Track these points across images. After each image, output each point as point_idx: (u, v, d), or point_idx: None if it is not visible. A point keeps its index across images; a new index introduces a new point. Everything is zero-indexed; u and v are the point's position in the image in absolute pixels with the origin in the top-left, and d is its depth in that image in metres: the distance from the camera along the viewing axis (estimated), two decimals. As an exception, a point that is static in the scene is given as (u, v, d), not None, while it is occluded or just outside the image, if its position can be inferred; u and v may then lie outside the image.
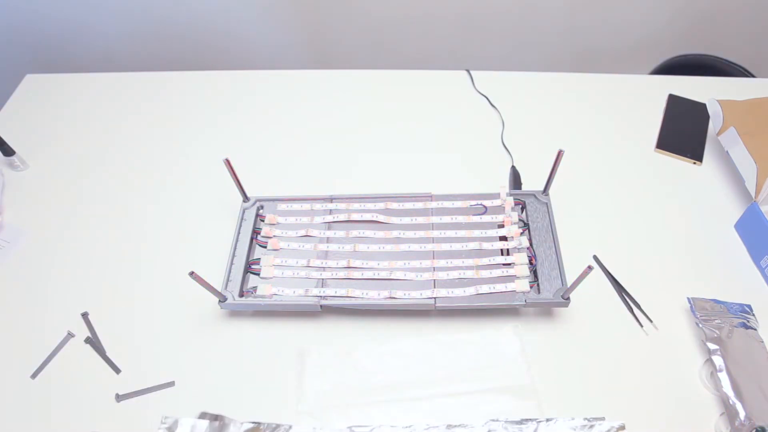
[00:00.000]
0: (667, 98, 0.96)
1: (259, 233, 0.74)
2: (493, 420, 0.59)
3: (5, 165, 0.88)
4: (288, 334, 0.69)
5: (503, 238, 0.71)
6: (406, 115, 0.95)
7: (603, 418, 0.59)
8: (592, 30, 1.35)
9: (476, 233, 0.72)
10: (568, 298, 0.65)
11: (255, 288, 0.68)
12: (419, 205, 0.75)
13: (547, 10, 1.31)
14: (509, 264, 0.69)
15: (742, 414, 0.57)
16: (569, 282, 0.63)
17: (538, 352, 0.66)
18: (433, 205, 0.75)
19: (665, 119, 0.93)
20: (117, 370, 0.66)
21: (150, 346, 0.68)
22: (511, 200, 0.74)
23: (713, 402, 0.61)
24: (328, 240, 0.73)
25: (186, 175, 0.87)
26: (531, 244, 0.71)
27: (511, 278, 0.67)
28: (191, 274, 0.59)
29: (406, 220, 0.74)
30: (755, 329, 0.65)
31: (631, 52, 1.40)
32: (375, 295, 0.67)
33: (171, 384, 0.65)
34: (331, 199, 0.77)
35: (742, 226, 0.76)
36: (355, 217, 0.74)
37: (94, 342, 0.69)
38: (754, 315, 0.66)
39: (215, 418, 0.60)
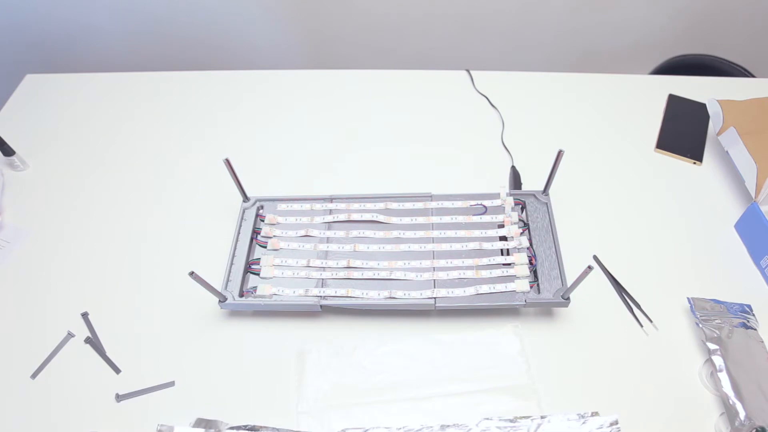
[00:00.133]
0: (667, 98, 0.96)
1: (259, 233, 0.74)
2: (486, 419, 0.59)
3: (5, 165, 0.88)
4: (288, 334, 0.69)
5: (503, 238, 0.71)
6: (406, 115, 0.95)
7: (596, 413, 0.59)
8: (592, 30, 1.35)
9: (476, 233, 0.72)
10: (568, 298, 0.65)
11: (255, 288, 0.68)
12: (419, 205, 0.75)
13: (547, 11, 1.31)
14: (509, 264, 0.69)
15: (742, 414, 0.57)
16: (569, 282, 0.63)
17: (538, 352, 0.66)
18: (433, 205, 0.75)
19: (665, 119, 0.93)
20: (117, 370, 0.66)
21: (150, 346, 0.68)
22: (511, 200, 0.74)
23: (713, 402, 0.61)
24: (328, 240, 0.73)
25: (186, 175, 0.87)
26: (531, 244, 0.71)
27: (511, 278, 0.67)
28: (191, 274, 0.59)
29: (406, 220, 0.74)
30: (755, 329, 0.65)
31: (631, 52, 1.40)
32: (375, 295, 0.67)
33: (171, 384, 0.65)
34: (331, 199, 0.77)
35: (742, 226, 0.76)
36: (355, 217, 0.74)
37: (94, 342, 0.69)
38: (754, 315, 0.66)
39: (209, 424, 0.60)
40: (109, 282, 0.75)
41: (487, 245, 0.71)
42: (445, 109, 0.96)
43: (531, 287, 0.67)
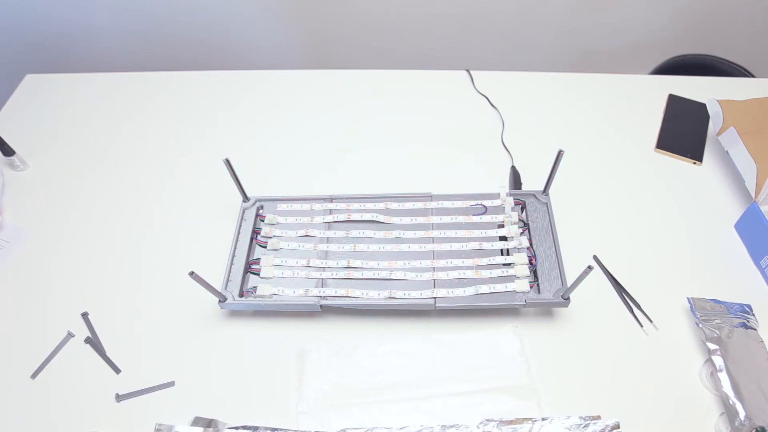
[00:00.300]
0: (667, 98, 0.96)
1: (259, 233, 0.74)
2: (487, 420, 0.59)
3: (5, 165, 0.88)
4: (288, 334, 0.69)
5: (503, 238, 0.71)
6: (406, 115, 0.95)
7: (599, 417, 0.59)
8: (592, 30, 1.35)
9: (476, 233, 0.72)
10: (568, 298, 0.65)
11: (255, 288, 0.68)
12: (419, 205, 0.75)
13: (547, 10, 1.31)
14: (509, 264, 0.69)
15: (742, 414, 0.57)
16: (569, 282, 0.63)
17: (538, 352, 0.66)
18: (433, 205, 0.75)
19: (665, 119, 0.93)
20: (117, 370, 0.66)
21: (150, 346, 0.68)
22: (511, 200, 0.74)
23: (713, 402, 0.61)
24: (328, 240, 0.73)
25: (186, 175, 0.87)
26: (531, 244, 0.71)
27: (511, 278, 0.67)
28: (191, 274, 0.59)
29: (406, 220, 0.74)
30: (755, 329, 0.65)
31: (631, 52, 1.40)
32: (375, 295, 0.67)
33: (171, 384, 0.65)
34: (331, 199, 0.77)
35: (742, 226, 0.76)
36: (355, 217, 0.74)
37: (94, 342, 0.69)
38: (754, 315, 0.66)
39: (208, 423, 0.60)
40: (109, 282, 0.75)
41: (487, 245, 0.71)
42: (445, 109, 0.96)
43: (531, 287, 0.67)
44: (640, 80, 1.02)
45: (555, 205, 0.74)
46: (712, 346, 0.62)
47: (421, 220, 0.74)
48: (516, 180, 0.83)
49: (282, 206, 0.77)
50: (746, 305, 0.67)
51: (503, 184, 0.83)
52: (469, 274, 0.68)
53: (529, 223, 0.73)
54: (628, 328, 0.68)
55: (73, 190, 0.86)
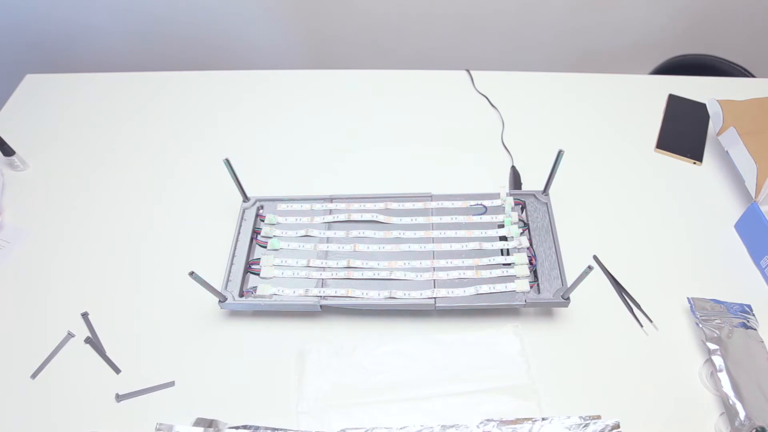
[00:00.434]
0: (667, 98, 0.96)
1: (259, 233, 0.74)
2: (487, 420, 0.59)
3: (5, 165, 0.88)
4: (288, 334, 0.69)
5: (503, 238, 0.71)
6: (406, 115, 0.95)
7: (599, 417, 0.59)
8: (592, 30, 1.35)
9: (476, 233, 0.72)
10: (568, 298, 0.65)
11: (255, 288, 0.68)
12: (419, 205, 0.75)
13: (547, 10, 1.31)
14: (509, 264, 0.69)
15: (742, 414, 0.57)
16: (569, 282, 0.63)
17: (538, 352, 0.66)
18: (433, 205, 0.75)
19: (665, 119, 0.93)
20: (117, 370, 0.66)
21: (150, 346, 0.68)
22: (511, 200, 0.74)
23: (713, 402, 0.61)
24: (328, 240, 0.73)
25: (186, 175, 0.87)
26: (531, 244, 0.71)
27: (511, 278, 0.67)
28: (191, 274, 0.59)
29: (406, 220, 0.74)
30: (755, 329, 0.65)
31: (631, 52, 1.40)
32: (375, 295, 0.67)
33: (171, 384, 0.65)
34: (331, 199, 0.77)
35: (742, 226, 0.76)
36: (355, 217, 0.74)
37: (94, 342, 0.69)
38: (754, 315, 0.66)
39: (209, 424, 0.60)
40: (109, 282, 0.75)
41: (487, 245, 0.71)
42: (445, 109, 0.96)
43: (531, 287, 0.67)
44: (640, 80, 1.02)
45: (555, 205, 0.74)
46: (712, 346, 0.62)
47: (421, 220, 0.74)
48: (516, 180, 0.83)
49: (282, 206, 0.77)
50: (746, 305, 0.67)
51: (503, 184, 0.83)
52: (469, 274, 0.68)
53: (529, 223, 0.73)
54: (628, 328, 0.68)
55: (73, 190, 0.86)
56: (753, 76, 1.06)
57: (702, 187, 0.83)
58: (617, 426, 0.58)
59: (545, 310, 0.70)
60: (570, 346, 0.67)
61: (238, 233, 0.73)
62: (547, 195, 0.75)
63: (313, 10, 1.32)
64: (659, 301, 0.70)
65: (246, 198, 0.77)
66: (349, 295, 0.67)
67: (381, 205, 0.75)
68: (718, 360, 0.61)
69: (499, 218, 0.73)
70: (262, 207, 0.77)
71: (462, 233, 0.72)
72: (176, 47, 1.40)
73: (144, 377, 0.65)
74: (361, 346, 0.67)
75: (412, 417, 0.61)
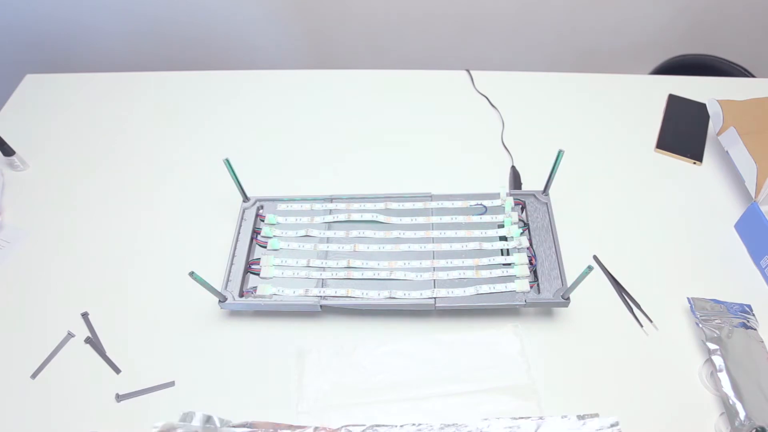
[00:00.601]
0: (667, 98, 0.96)
1: (259, 233, 0.74)
2: (485, 419, 0.59)
3: (5, 165, 0.88)
4: (288, 334, 0.69)
5: (503, 238, 0.71)
6: (406, 115, 0.95)
7: (596, 415, 0.59)
8: (592, 30, 1.35)
9: (476, 233, 0.72)
10: (568, 298, 0.65)
11: (255, 288, 0.68)
12: (419, 205, 0.75)
13: (547, 11, 1.31)
14: (509, 264, 0.69)
15: (742, 414, 0.57)
16: (569, 282, 0.63)
17: (537, 352, 0.66)
18: (433, 205, 0.75)
19: (665, 119, 0.93)
20: (117, 370, 0.66)
21: (150, 346, 0.68)
22: (511, 200, 0.74)
23: (713, 402, 0.61)
24: (328, 240, 0.73)
25: (186, 175, 0.87)
26: (531, 244, 0.71)
27: (511, 278, 0.67)
28: (191, 274, 0.59)
29: (406, 220, 0.74)
30: (755, 329, 0.65)
31: (631, 52, 1.40)
32: (375, 295, 0.67)
33: (171, 384, 0.65)
34: (331, 199, 0.77)
35: (742, 226, 0.76)
36: (355, 217, 0.74)
37: (94, 342, 0.69)
38: (754, 315, 0.66)
39: (207, 419, 0.60)
40: (109, 282, 0.75)
41: (487, 245, 0.71)
42: (445, 110, 0.96)
43: (531, 287, 0.67)
44: (640, 80, 1.02)
45: (555, 205, 0.74)
46: (712, 346, 0.62)
47: (421, 220, 0.74)
48: (516, 180, 0.83)
49: (282, 206, 0.77)
50: (746, 305, 0.67)
51: (503, 184, 0.83)
52: (469, 274, 0.68)
53: (529, 223, 0.73)
54: (628, 328, 0.68)
55: (73, 190, 0.86)
56: (753, 76, 1.06)
57: (702, 187, 0.83)
58: (616, 424, 0.58)
59: (545, 310, 0.70)
60: (570, 346, 0.67)
61: (238, 233, 0.73)
62: (547, 195, 0.75)
63: (313, 10, 1.32)
64: (659, 301, 0.70)
65: (246, 198, 0.77)
66: (349, 295, 0.67)
67: (381, 205, 0.75)
68: (718, 360, 0.61)
69: (499, 218, 0.73)
70: (262, 207, 0.77)
71: (462, 233, 0.72)
72: (176, 47, 1.40)
73: (144, 377, 0.65)
74: (361, 346, 0.67)
75: (412, 417, 0.61)
